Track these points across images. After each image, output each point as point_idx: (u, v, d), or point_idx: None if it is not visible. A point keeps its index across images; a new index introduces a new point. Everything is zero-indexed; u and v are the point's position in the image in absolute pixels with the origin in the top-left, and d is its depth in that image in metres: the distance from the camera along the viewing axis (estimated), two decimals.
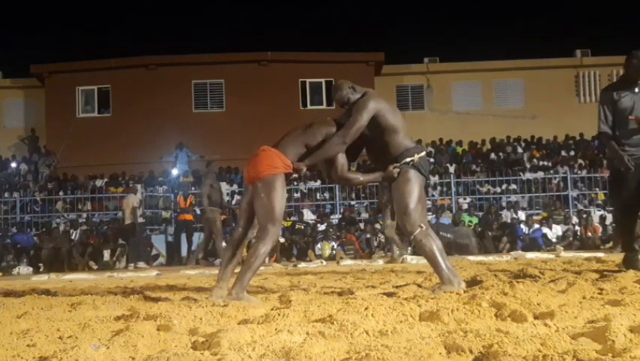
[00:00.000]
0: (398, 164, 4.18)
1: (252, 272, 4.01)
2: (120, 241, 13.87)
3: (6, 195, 18.00)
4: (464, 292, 3.84)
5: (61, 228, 15.33)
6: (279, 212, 3.99)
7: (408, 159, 4.19)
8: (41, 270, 12.32)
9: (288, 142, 4.13)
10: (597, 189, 17.49)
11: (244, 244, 4.30)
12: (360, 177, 4.36)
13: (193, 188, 17.51)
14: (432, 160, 18.97)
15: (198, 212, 15.55)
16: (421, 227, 4.13)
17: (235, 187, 18.02)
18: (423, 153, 4.29)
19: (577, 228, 14.98)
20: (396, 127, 4.21)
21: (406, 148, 4.22)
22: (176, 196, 15.17)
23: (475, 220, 15.29)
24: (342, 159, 4.16)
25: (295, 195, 17.19)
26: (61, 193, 18.19)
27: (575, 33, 29.23)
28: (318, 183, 17.56)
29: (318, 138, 4.14)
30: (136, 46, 30.55)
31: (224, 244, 11.10)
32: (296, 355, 2.09)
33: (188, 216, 14.23)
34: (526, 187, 17.57)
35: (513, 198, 17.34)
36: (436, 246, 4.11)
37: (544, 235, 14.36)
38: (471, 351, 2.13)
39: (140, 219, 15.46)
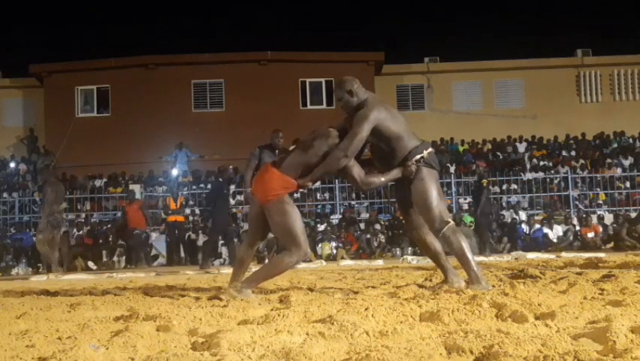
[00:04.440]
0: (414, 159, 4.18)
1: (265, 277, 4.24)
2: (119, 242, 13.88)
3: (5, 195, 17.99)
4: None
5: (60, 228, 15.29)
6: (298, 230, 4.06)
7: (418, 156, 4.20)
8: (40, 270, 12.29)
9: (291, 161, 4.13)
10: (598, 189, 17.50)
11: (251, 257, 4.44)
12: (382, 178, 4.26)
13: (185, 188, 17.52)
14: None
15: (188, 212, 15.61)
16: (449, 223, 4.12)
17: (233, 187, 17.99)
18: (430, 149, 4.31)
19: (577, 228, 14.99)
20: (400, 133, 4.21)
21: (413, 147, 4.22)
22: (166, 198, 15.18)
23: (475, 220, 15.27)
24: (356, 166, 4.13)
25: (295, 195, 17.15)
26: None
27: (576, 33, 29.18)
28: (318, 183, 17.56)
29: (321, 152, 4.10)
30: (135, 45, 30.48)
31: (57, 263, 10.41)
32: (296, 356, 2.08)
33: (180, 218, 14.22)
34: (526, 187, 17.57)
35: (514, 198, 17.34)
36: (464, 243, 4.10)
37: (545, 235, 14.37)
38: (471, 352, 2.12)
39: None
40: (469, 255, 4.09)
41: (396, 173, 4.20)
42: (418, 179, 4.18)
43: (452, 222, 4.17)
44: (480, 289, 3.81)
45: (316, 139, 4.17)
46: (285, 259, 4.09)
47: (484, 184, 12.86)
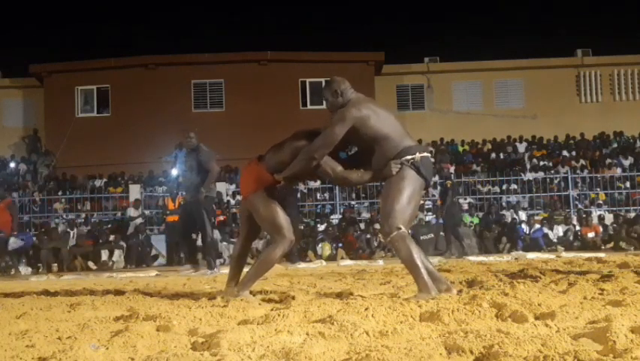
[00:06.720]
0: (399, 160, 3.86)
1: (257, 276, 4.19)
2: (120, 242, 13.86)
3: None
4: (458, 293, 3.82)
5: (60, 228, 15.30)
6: (280, 220, 4.03)
7: (408, 157, 3.88)
8: (40, 270, 12.29)
9: (269, 156, 4.12)
10: (598, 189, 17.51)
11: (246, 255, 4.43)
12: (362, 174, 4.02)
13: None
14: (432, 160, 18.99)
15: None
16: (399, 229, 3.78)
17: (234, 187, 18.00)
18: (425, 154, 3.98)
19: (577, 228, 14.99)
20: (387, 133, 3.90)
21: (405, 147, 3.91)
22: (164, 198, 15.13)
23: (475, 220, 15.29)
24: (328, 161, 3.94)
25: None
26: (60, 193, 18.18)
27: (576, 32, 29.19)
28: (318, 183, 17.54)
29: (291, 150, 4.01)
30: (135, 45, 30.49)
31: None
32: (296, 355, 2.08)
33: (178, 218, 14.16)
34: (526, 187, 17.58)
35: (514, 198, 17.34)
36: (414, 250, 3.78)
37: (545, 235, 14.36)
38: (471, 352, 2.12)
39: (140, 220, 15.46)
40: (418, 263, 3.75)
41: (379, 173, 3.93)
42: (396, 178, 3.87)
43: (404, 230, 3.80)
44: (428, 298, 3.50)
45: (290, 139, 4.12)
46: (271, 251, 4.07)
47: (449, 185, 12.87)
